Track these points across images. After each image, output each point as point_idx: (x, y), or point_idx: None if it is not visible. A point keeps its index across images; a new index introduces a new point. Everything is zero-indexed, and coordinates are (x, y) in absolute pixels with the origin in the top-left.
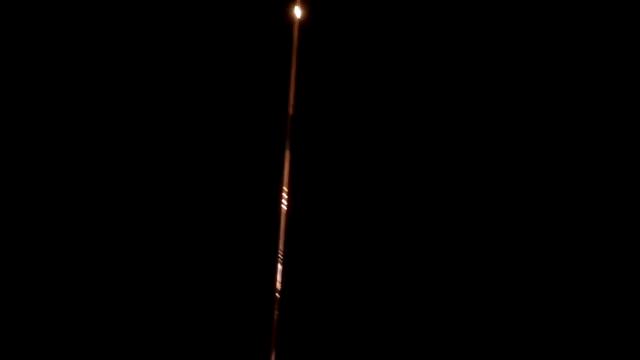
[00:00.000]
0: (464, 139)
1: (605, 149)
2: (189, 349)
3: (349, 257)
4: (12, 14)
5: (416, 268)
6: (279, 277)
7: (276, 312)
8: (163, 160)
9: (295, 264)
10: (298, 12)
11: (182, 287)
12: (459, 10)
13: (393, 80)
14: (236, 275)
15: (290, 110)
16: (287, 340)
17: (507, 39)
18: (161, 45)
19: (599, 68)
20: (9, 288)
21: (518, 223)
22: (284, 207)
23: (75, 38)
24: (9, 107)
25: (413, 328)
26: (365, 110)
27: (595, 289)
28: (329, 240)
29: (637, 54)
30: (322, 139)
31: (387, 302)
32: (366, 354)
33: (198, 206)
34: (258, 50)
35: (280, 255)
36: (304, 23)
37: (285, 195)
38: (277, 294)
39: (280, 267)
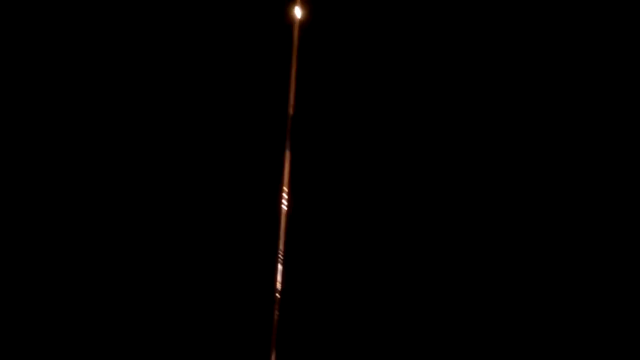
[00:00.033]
0: (464, 138)
1: (605, 149)
2: (189, 349)
3: (349, 256)
4: (12, 14)
5: (416, 267)
6: (279, 277)
7: (276, 312)
8: (163, 161)
9: (295, 263)
10: (298, 12)
11: (182, 287)
12: (459, 9)
13: (393, 80)
14: (236, 275)
15: (290, 110)
16: (287, 340)
17: (506, 38)
18: (161, 45)
19: (599, 68)
20: (9, 288)
21: (517, 222)
22: (284, 207)
23: (75, 38)
24: (9, 107)
25: (413, 327)
26: (365, 110)
27: (595, 288)
28: (329, 240)
29: (637, 54)
30: (322, 139)
31: (387, 301)
32: (366, 354)
33: (198, 206)
34: (258, 50)
35: (280, 255)
36: (304, 23)
37: (285, 195)
38: (277, 294)
39: (280, 267)
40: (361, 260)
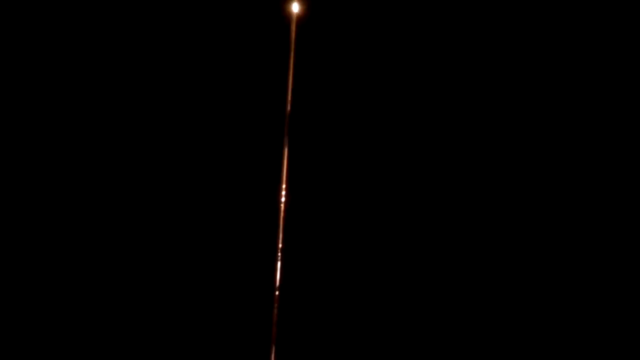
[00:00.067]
0: (460, 134)
1: (605, 149)
2: (189, 345)
3: (347, 252)
4: (12, 14)
5: (414, 263)
6: (278, 273)
7: (276, 307)
8: (161, 157)
9: (294, 259)
10: (295, 7)
11: (181, 283)
12: (457, 7)
13: (390, 76)
14: (235, 271)
15: (288, 107)
16: (286, 334)
17: (505, 34)
18: (158, 40)
19: (599, 68)
20: (9, 288)
21: (516, 218)
22: (283, 204)
23: (75, 37)
24: (9, 107)
25: (411, 321)
26: (363, 107)
27: (594, 288)
28: (328, 236)
29: (637, 54)
30: (320, 135)
31: (385, 295)
32: (364, 349)
33: (196, 203)
34: (255, 47)
35: (279, 251)
36: (301, 19)
37: (283, 192)
38: (276, 290)
39: (279, 262)
40: (359, 255)
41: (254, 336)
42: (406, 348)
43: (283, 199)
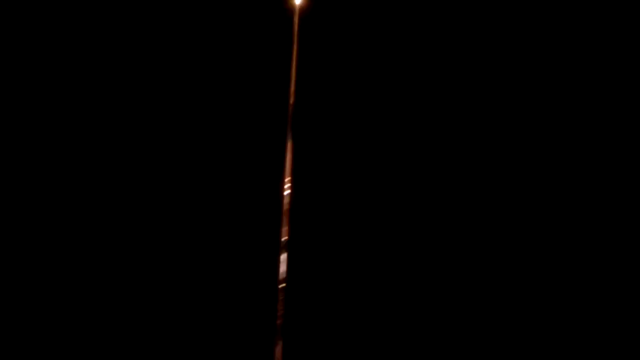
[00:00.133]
0: (465, 130)
1: (605, 149)
2: (193, 339)
3: (352, 244)
4: (12, 14)
5: (419, 256)
6: (282, 266)
7: (281, 300)
8: (164, 151)
9: (298, 252)
10: None
11: (185, 278)
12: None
13: (394, 68)
14: (240, 265)
15: (291, 99)
16: (292, 328)
17: (514, 29)
18: (160, 33)
19: (599, 68)
20: (9, 288)
21: (525, 219)
22: (287, 196)
23: (75, 37)
24: (9, 107)
25: (418, 314)
26: (366, 98)
27: (595, 288)
28: (332, 228)
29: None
30: (324, 127)
31: (390, 287)
32: (371, 342)
33: (200, 198)
34: (258, 39)
35: (283, 244)
36: (304, 10)
37: (287, 185)
38: (281, 283)
39: (283, 256)
40: (364, 248)
41: (259, 329)
42: (414, 339)
43: (287, 192)
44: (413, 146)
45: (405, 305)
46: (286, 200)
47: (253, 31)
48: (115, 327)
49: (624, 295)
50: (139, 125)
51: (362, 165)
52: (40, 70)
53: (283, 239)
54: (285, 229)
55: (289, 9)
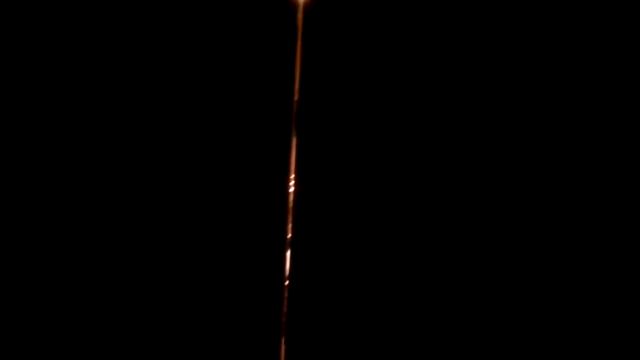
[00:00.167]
0: (471, 124)
1: (605, 149)
2: (196, 337)
3: (357, 242)
4: (12, 14)
5: (426, 252)
6: (287, 264)
7: (285, 299)
8: (168, 149)
9: (303, 250)
10: None
11: (188, 274)
12: None
13: (400, 64)
14: (244, 262)
15: (296, 96)
16: (296, 325)
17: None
18: (163, 29)
19: (599, 68)
20: (10, 288)
21: (533, 217)
22: (291, 194)
23: (75, 36)
24: (9, 107)
25: (425, 311)
26: (372, 95)
27: (595, 289)
28: (337, 225)
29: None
30: (329, 124)
31: (397, 283)
32: (377, 340)
33: (204, 195)
34: (261, 34)
35: (288, 242)
36: (308, 4)
37: (292, 182)
38: (285, 281)
39: (288, 253)
40: (369, 245)
41: (265, 327)
42: (420, 337)
43: (292, 189)
44: (420, 144)
45: (412, 301)
46: (291, 198)
47: (256, 26)
48: (119, 323)
49: (624, 295)
50: (140, 123)
51: (368, 162)
52: (42, 71)
53: (288, 236)
54: (290, 226)
55: (292, 2)
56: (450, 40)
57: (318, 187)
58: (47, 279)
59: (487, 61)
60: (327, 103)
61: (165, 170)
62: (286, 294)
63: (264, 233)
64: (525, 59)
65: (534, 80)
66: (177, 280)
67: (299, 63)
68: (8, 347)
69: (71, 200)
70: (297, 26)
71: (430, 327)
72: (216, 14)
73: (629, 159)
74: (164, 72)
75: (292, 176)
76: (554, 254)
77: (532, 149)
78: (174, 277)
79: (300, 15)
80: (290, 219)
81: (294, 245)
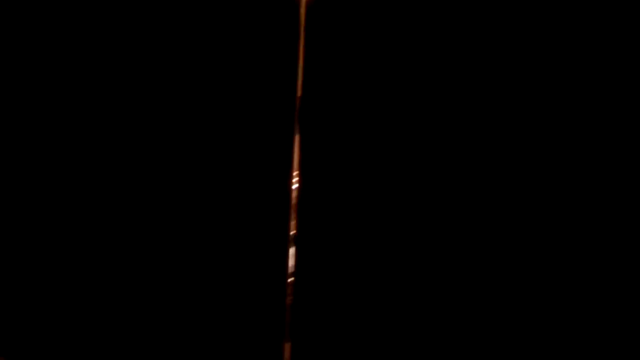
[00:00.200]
0: (478, 123)
1: (606, 149)
2: (199, 337)
3: (361, 238)
4: (12, 14)
5: (431, 248)
6: (291, 262)
7: (289, 297)
8: (171, 146)
9: (307, 247)
10: None
11: (192, 273)
12: None
13: (404, 61)
14: (247, 260)
15: (299, 92)
16: (300, 322)
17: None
18: (166, 26)
19: (599, 68)
20: (10, 288)
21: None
22: (295, 191)
23: (76, 36)
24: (9, 107)
25: (431, 308)
26: (375, 91)
27: (595, 289)
28: (341, 222)
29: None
30: (332, 120)
31: (402, 280)
32: (383, 338)
33: (207, 192)
34: (264, 30)
35: (291, 239)
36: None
37: (295, 179)
38: (289, 279)
39: (292, 251)
40: (374, 242)
41: (267, 324)
42: (426, 335)
43: (295, 186)
44: (424, 140)
45: (418, 298)
46: (294, 194)
47: (259, 22)
48: (121, 322)
49: (624, 295)
50: (141, 122)
51: (371, 158)
52: (41, 71)
53: (291, 233)
54: (293, 223)
55: None
56: (458, 40)
57: (321, 183)
58: (47, 279)
59: (498, 56)
60: (330, 99)
61: (166, 167)
62: (290, 291)
63: (264, 230)
64: (538, 58)
65: (548, 82)
66: (176, 278)
67: (302, 58)
68: (8, 347)
69: (74, 197)
70: (300, 21)
71: (436, 329)
72: (218, 10)
73: (629, 159)
74: (165, 65)
75: (295, 173)
76: (571, 254)
77: (550, 152)
78: (174, 274)
79: (303, 10)
80: (293, 215)
81: (299, 241)
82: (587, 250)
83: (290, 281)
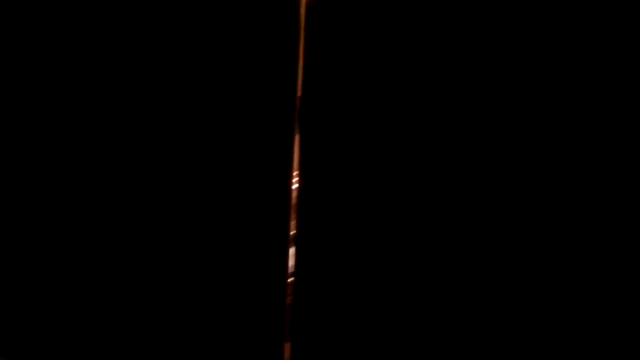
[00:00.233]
0: (478, 123)
1: (606, 149)
2: (198, 337)
3: (361, 238)
4: (11, 14)
5: (431, 248)
6: (291, 262)
7: (289, 298)
8: (170, 146)
9: (307, 247)
10: None
11: (192, 272)
12: None
13: (405, 61)
14: (247, 261)
15: (299, 92)
16: (300, 322)
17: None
18: (165, 26)
19: (599, 68)
20: (10, 288)
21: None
22: (295, 191)
23: (76, 37)
24: (8, 107)
25: (431, 308)
26: (375, 91)
27: (595, 289)
28: (341, 222)
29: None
30: (332, 120)
31: (403, 280)
32: (383, 337)
33: (207, 192)
34: (263, 29)
35: (291, 239)
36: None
37: (295, 179)
38: (289, 279)
39: (292, 251)
40: (374, 242)
41: (267, 324)
42: (427, 335)
43: (295, 186)
44: (424, 140)
45: (418, 298)
46: (294, 194)
47: (259, 22)
48: (121, 322)
49: (624, 295)
50: (142, 122)
51: (371, 158)
52: (41, 71)
53: (291, 233)
54: (293, 223)
55: None
56: (458, 40)
57: (322, 183)
58: (47, 279)
59: (498, 56)
60: (330, 99)
61: (166, 167)
62: (290, 291)
63: (265, 230)
64: (537, 59)
65: (548, 82)
66: (176, 278)
67: (302, 58)
68: (8, 347)
69: (84, 196)
70: (300, 21)
71: (437, 329)
72: (217, 10)
73: (629, 159)
74: (165, 65)
75: (295, 173)
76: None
77: (553, 153)
78: (173, 274)
79: (303, 10)
80: (293, 215)
81: (299, 241)
82: (587, 250)
83: (290, 281)
